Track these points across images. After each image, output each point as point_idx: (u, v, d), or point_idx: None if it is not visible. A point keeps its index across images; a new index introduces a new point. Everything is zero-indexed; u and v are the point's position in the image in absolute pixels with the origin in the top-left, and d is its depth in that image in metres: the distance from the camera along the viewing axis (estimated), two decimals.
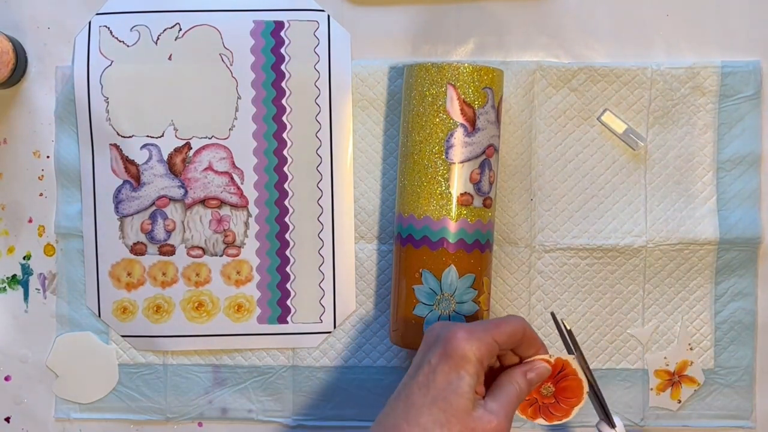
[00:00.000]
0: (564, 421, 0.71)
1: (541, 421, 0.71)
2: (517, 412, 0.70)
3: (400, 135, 0.80)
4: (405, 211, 0.78)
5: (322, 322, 0.84)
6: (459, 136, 0.76)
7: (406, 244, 0.77)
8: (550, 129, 0.83)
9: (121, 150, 0.82)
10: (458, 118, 0.76)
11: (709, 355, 0.84)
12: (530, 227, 0.83)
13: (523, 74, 0.83)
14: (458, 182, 0.76)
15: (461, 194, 0.76)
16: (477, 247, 0.77)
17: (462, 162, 0.76)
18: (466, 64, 0.76)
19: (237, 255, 0.83)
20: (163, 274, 0.83)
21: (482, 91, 0.76)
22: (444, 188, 0.76)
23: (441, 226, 0.76)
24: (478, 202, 0.77)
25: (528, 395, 0.70)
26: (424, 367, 0.65)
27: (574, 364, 0.70)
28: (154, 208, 0.83)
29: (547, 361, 0.69)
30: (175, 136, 0.82)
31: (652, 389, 0.84)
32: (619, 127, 0.82)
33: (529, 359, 0.69)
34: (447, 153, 0.76)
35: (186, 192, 0.82)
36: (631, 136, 0.82)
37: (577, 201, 0.83)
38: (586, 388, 0.71)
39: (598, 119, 0.83)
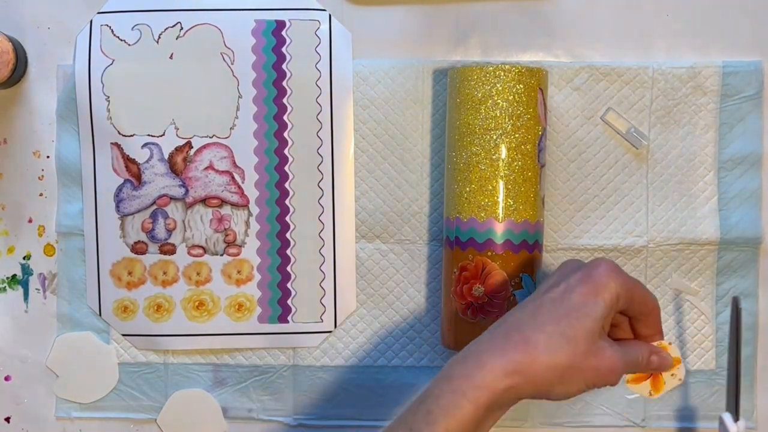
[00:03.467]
0: (502, 315, 0.73)
1: (482, 320, 0.74)
2: (459, 314, 0.75)
3: (456, 140, 0.78)
4: (500, 218, 0.75)
5: (322, 321, 0.83)
6: (544, 138, 0.78)
7: (503, 251, 0.76)
8: (551, 128, 0.83)
9: (122, 149, 0.82)
10: (544, 122, 0.77)
11: (711, 355, 0.84)
12: None
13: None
14: (542, 185, 0.78)
15: (542, 197, 0.78)
16: (536, 248, 0.78)
17: (543, 165, 0.78)
18: (545, 69, 0.78)
19: (238, 254, 0.83)
20: (164, 273, 0.83)
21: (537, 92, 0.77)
22: (537, 191, 0.77)
23: (536, 229, 0.77)
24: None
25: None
26: (560, 285, 0.65)
27: (493, 261, 0.75)
28: (154, 207, 0.82)
29: (478, 263, 0.74)
30: (176, 135, 0.82)
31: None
32: (623, 126, 0.82)
33: (657, 346, 0.69)
34: (539, 156, 0.77)
35: (187, 191, 0.82)
36: (635, 135, 0.82)
37: (578, 201, 0.83)
38: (511, 281, 0.75)
39: (601, 118, 0.83)
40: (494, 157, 0.75)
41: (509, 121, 0.75)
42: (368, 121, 0.83)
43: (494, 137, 0.75)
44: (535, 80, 0.76)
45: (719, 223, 0.83)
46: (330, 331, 0.84)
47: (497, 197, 0.75)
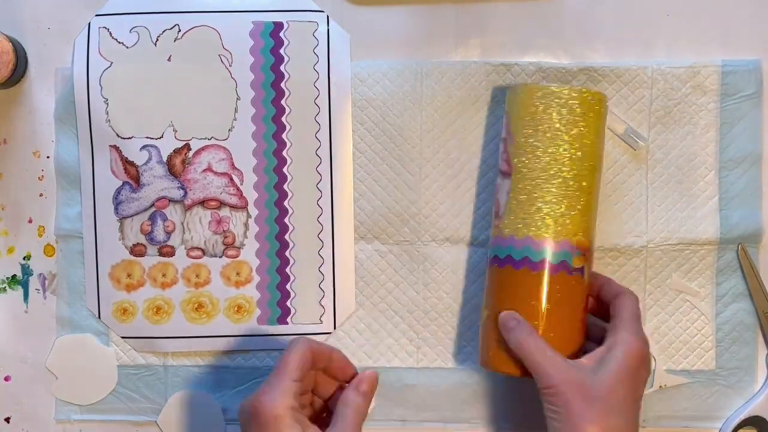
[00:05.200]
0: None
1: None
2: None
3: (526, 157, 0.75)
4: (574, 237, 0.75)
5: (322, 323, 0.84)
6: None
7: (558, 271, 0.74)
8: None
9: (120, 151, 0.82)
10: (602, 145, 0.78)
11: (711, 355, 0.84)
12: None
13: (522, 76, 0.83)
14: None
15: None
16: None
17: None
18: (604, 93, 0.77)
19: (237, 256, 0.83)
20: (163, 275, 0.83)
21: None
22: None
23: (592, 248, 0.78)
24: None
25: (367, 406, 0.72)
26: None
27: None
28: (153, 209, 0.83)
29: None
30: (175, 137, 0.82)
31: None
32: (619, 126, 0.82)
33: (359, 374, 0.73)
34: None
35: (185, 193, 0.82)
36: (631, 136, 0.82)
37: None
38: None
39: None
40: (587, 179, 0.75)
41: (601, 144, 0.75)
42: (366, 123, 0.83)
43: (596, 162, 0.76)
44: (594, 102, 0.75)
45: (719, 223, 0.83)
46: (329, 333, 0.84)
47: (587, 217, 0.76)
